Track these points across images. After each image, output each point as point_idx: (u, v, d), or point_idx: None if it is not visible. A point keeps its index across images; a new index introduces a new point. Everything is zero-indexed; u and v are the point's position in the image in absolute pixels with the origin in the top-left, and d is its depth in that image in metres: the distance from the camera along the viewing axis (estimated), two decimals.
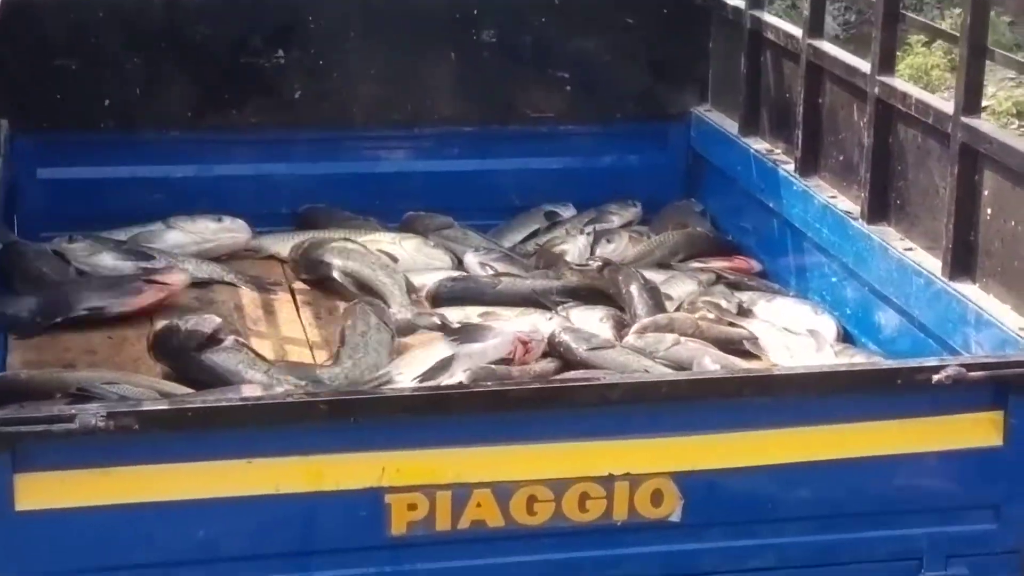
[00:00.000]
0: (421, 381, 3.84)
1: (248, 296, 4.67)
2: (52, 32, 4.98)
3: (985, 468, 3.44)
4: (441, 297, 4.58)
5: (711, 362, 4.05)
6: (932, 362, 3.46)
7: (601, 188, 5.29)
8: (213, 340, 4.05)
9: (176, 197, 5.06)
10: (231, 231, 4.97)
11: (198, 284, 4.73)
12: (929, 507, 3.45)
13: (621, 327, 4.31)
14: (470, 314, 4.38)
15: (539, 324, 4.23)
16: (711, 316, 4.39)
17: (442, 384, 3.80)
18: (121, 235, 4.89)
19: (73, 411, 3.02)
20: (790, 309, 4.45)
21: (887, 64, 4.25)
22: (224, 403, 3.23)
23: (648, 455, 3.27)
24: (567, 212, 5.26)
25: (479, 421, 3.21)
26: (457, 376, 3.87)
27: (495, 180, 5.30)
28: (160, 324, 4.19)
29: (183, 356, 4.02)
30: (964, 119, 3.84)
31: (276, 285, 4.75)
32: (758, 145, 4.94)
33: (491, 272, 4.77)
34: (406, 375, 3.91)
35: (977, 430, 3.42)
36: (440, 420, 3.19)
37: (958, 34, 3.92)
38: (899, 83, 4.21)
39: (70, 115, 5.00)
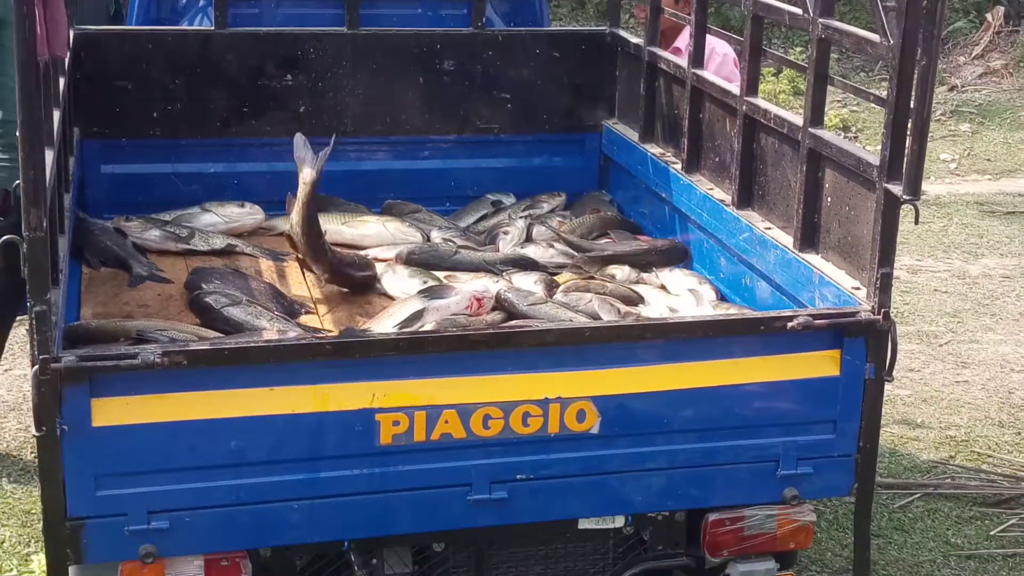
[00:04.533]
0: (400, 328, 3.84)
1: (265, 264, 4.64)
2: (113, 61, 4.91)
3: (826, 393, 3.49)
4: (412, 261, 4.54)
5: (619, 314, 4.06)
6: (787, 313, 3.51)
7: (534, 182, 5.28)
8: (231, 299, 4.03)
9: (209, 188, 5.00)
10: (251, 214, 4.91)
11: (225, 254, 4.68)
12: (784, 422, 3.50)
13: (551, 288, 4.31)
14: (436, 277, 4.36)
15: (489, 285, 4.22)
16: (610, 284, 4.37)
17: (417, 330, 3.79)
18: (166, 216, 4.83)
19: (136, 351, 3.03)
20: (680, 279, 4.43)
21: (752, 88, 4.25)
22: (252, 344, 3.22)
23: (574, 383, 3.31)
24: (508, 200, 5.25)
25: (447, 358, 3.23)
26: (428, 324, 3.86)
27: (453, 176, 5.27)
28: (193, 291, 4.15)
29: (210, 312, 3.99)
30: (811, 130, 3.87)
31: (285, 255, 4.70)
32: (654, 150, 4.94)
33: (452, 246, 4.75)
34: (388, 323, 3.90)
35: (820, 364, 3.48)
36: (417, 357, 3.21)
37: (806, 65, 3.94)
38: (761, 102, 4.21)
39: (126, 124, 4.93)
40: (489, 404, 3.24)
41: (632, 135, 5.11)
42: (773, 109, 4.15)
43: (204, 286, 4.11)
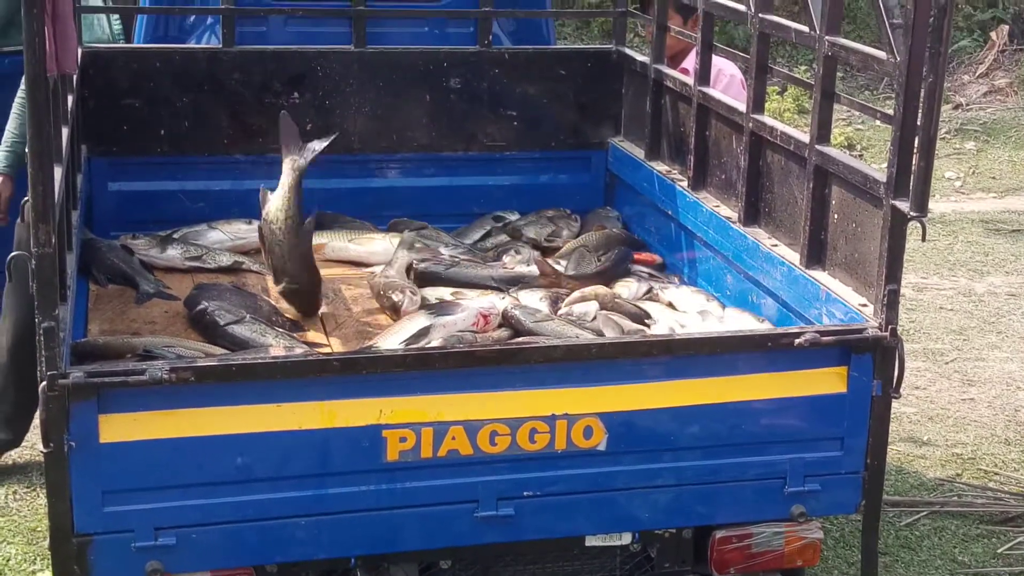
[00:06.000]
0: (407, 345, 3.84)
1: (271, 281, 4.63)
2: (120, 78, 4.91)
3: (833, 409, 3.49)
4: (420, 277, 4.53)
5: (626, 330, 4.06)
6: (794, 330, 3.51)
7: (540, 199, 5.29)
8: (236, 316, 4.01)
9: (215, 205, 5.01)
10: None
11: (232, 271, 4.69)
12: (791, 439, 3.50)
13: (557, 304, 4.31)
14: (443, 294, 4.37)
15: (496, 302, 4.22)
16: (617, 301, 4.35)
17: (424, 346, 3.79)
18: (173, 234, 4.83)
19: (144, 367, 3.03)
20: (688, 297, 4.43)
21: (758, 106, 4.26)
22: (259, 360, 3.23)
23: (581, 400, 3.31)
24: (512, 217, 5.25)
25: (454, 374, 3.23)
26: (435, 341, 3.86)
27: (459, 193, 5.27)
28: (195, 309, 4.13)
29: (214, 329, 3.99)
30: (817, 147, 3.87)
31: None
32: (660, 167, 4.94)
33: (458, 262, 4.73)
34: (395, 340, 3.89)
35: (827, 381, 3.47)
36: (424, 374, 3.21)
37: (812, 83, 3.95)
38: (768, 120, 4.22)
39: (134, 142, 4.94)
40: (496, 420, 3.24)
41: (638, 152, 5.12)
42: (779, 126, 4.16)
43: (206, 303, 4.11)
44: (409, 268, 4.50)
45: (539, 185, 5.34)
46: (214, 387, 3.09)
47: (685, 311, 4.33)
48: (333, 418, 3.15)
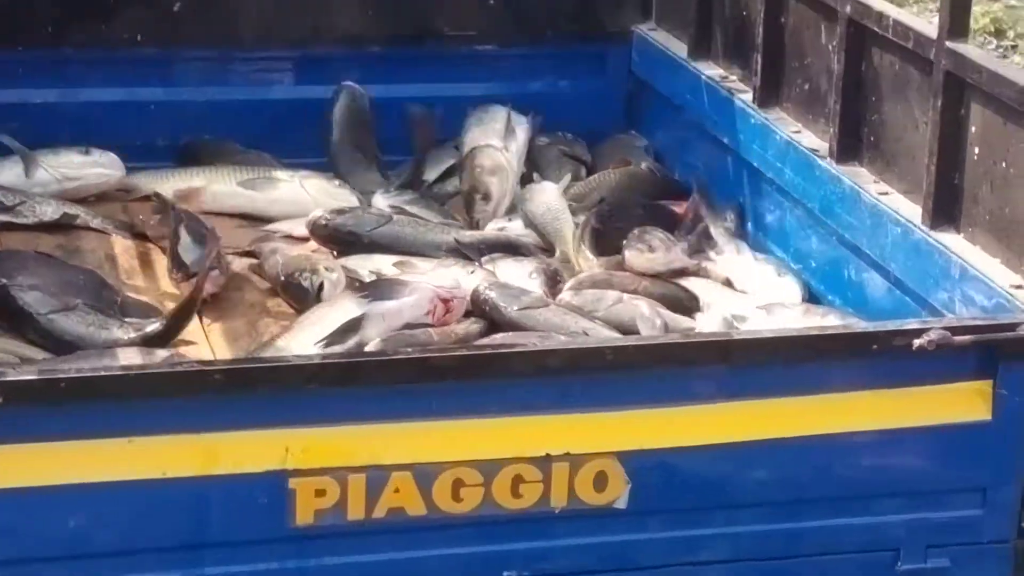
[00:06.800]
0: (326, 347, 3.83)
1: (120, 244, 4.65)
2: None
3: (971, 446, 3.49)
4: (336, 237, 4.61)
5: (661, 324, 4.07)
6: (913, 324, 3.51)
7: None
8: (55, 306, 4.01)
9: (35, 126, 5.02)
10: (100, 166, 4.92)
11: (61, 229, 4.70)
12: (907, 491, 3.51)
13: (555, 282, 4.32)
14: (381, 265, 4.37)
15: (461, 278, 4.23)
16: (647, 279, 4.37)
17: (352, 350, 3.79)
18: None
19: None
20: (753, 268, 4.45)
21: None
22: (102, 372, 3.21)
23: (591, 432, 3.30)
24: None
25: (397, 393, 3.22)
26: (370, 340, 3.87)
27: (407, 109, 5.26)
28: None
29: (22, 325, 4.00)
30: (949, 44, 3.87)
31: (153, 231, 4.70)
32: (710, 71, 4.96)
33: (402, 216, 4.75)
34: (309, 338, 3.90)
35: (962, 402, 3.47)
36: (352, 392, 3.20)
37: None
38: (874, 1, 4.22)
39: None
40: (461, 463, 3.23)
41: (678, 48, 5.14)
42: (892, 11, 4.17)
43: (5, 283, 4.10)
44: None
45: (528, 96, 5.33)
46: (32, 412, 3.07)
47: (748, 291, 4.34)
48: (214, 460, 3.14)
